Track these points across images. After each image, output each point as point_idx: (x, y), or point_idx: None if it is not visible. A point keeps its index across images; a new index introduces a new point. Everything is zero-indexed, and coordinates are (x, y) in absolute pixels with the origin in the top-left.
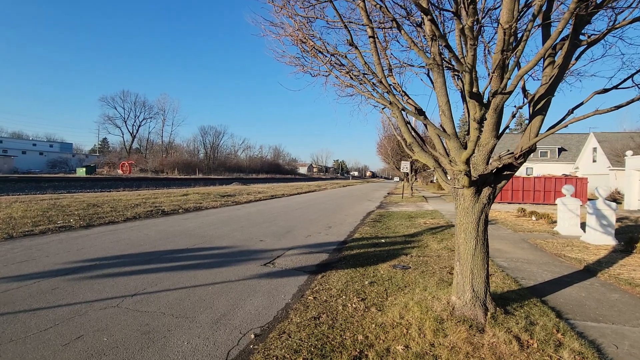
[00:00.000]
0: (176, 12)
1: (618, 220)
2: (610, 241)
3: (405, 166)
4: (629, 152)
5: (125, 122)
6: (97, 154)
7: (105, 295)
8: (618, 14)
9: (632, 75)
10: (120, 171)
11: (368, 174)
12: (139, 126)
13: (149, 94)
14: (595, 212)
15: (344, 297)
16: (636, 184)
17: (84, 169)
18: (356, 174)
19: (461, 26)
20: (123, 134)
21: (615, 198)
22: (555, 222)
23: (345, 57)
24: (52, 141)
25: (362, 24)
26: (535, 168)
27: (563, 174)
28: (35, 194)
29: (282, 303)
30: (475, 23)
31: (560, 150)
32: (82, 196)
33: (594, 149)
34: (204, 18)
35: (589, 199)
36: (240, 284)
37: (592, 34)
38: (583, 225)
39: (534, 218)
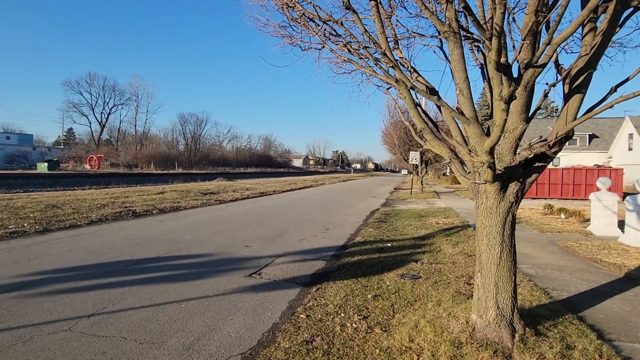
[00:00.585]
0: None
1: None
2: None
3: (414, 157)
4: None
5: (93, 109)
6: (62, 146)
7: (57, 316)
8: None
9: None
10: (87, 166)
11: (370, 165)
12: (109, 114)
13: (120, 76)
14: (636, 208)
15: (342, 314)
16: None
17: (46, 164)
18: (358, 166)
19: None
20: (91, 123)
21: None
22: (588, 220)
23: (342, 24)
24: (10, 132)
25: None
26: (563, 158)
27: (595, 165)
28: None
29: (268, 323)
30: None
31: (592, 137)
32: (41, 196)
33: (630, 136)
34: None
35: (625, 193)
36: (220, 300)
37: None
38: (621, 224)
39: (563, 216)
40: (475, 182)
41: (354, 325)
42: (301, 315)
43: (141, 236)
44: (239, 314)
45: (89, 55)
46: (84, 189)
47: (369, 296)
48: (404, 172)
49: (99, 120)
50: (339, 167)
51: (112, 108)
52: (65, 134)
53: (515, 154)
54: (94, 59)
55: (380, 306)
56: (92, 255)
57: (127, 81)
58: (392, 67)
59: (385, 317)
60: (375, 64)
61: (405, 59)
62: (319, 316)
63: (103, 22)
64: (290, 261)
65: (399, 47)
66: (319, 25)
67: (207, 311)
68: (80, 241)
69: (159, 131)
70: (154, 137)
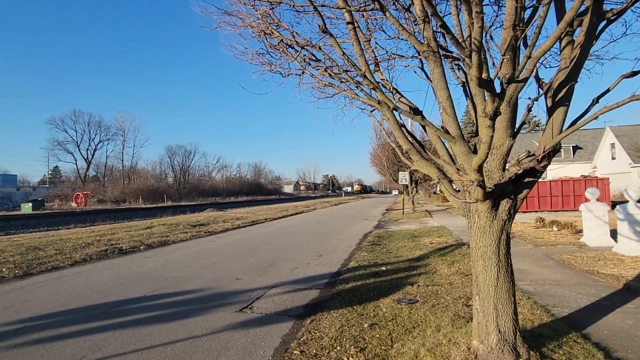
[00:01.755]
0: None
1: None
2: None
3: (403, 177)
4: None
5: (79, 146)
6: (47, 185)
7: None
8: None
9: None
10: (74, 204)
11: (356, 187)
12: (95, 150)
13: (105, 112)
14: (627, 217)
15: (338, 347)
16: None
17: (30, 204)
18: (350, 189)
19: None
20: (76, 161)
21: None
22: (581, 231)
23: (320, 49)
24: None
25: (338, 8)
26: (550, 171)
27: (582, 175)
28: None
29: None
30: None
31: (575, 148)
32: (22, 238)
33: (612, 145)
34: (153, 26)
35: (614, 202)
36: (209, 340)
37: (611, 8)
38: (613, 234)
39: (555, 228)
40: (466, 202)
41: (350, 359)
42: (295, 352)
43: (127, 275)
44: (229, 354)
45: (73, 94)
46: (69, 228)
47: (366, 325)
48: (395, 192)
49: (85, 156)
50: (330, 191)
51: (98, 144)
52: (50, 172)
53: (504, 170)
54: (79, 97)
55: (378, 336)
56: (74, 299)
57: (113, 116)
58: (374, 89)
59: (383, 347)
60: (357, 87)
61: (387, 81)
62: (314, 351)
63: (86, 61)
64: (282, 292)
65: (379, 69)
66: (297, 51)
67: (195, 353)
68: (62, 284)
69: (147, 164)
70: (141, 171)
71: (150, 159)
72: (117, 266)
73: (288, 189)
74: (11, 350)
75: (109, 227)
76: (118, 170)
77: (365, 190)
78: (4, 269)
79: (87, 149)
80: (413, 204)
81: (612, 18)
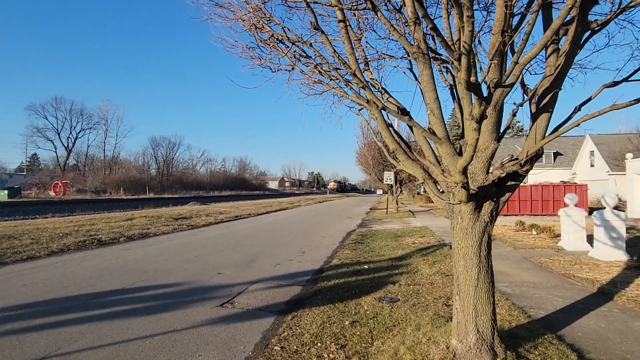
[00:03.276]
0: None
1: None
2: (621, 256)
3: (388, 177)
4: (629, 155)
5: (59, 134)
6: (25, 173)
7: None
8: None
9: None
10: (52, 192)
11: (332, 185)
12: (76, 138)
13: (88, 100)
14: (604, 223)
15: (319, 344)
16: (639, 189)
17: (6, 192)
18: (350, 188)
19: None
20: (56, 149)
21: (617, 205)
22: (559, 236)
23: (311, 46)
24: None
25: (330, 6)
26: (531, 175)
27: (561, 181)
28: None
29: (240, 358)
30: None
31: (556, 154)
32: None
33: (591, 153)
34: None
35: (591, 208)
36: (188, 334)
37: (595, 19)
38: (589, 239)
39: (534, 232)
40: (449, 202)
41: (330, 355)
42: (275, 347)
43: (105, 266)
44: (209, 349)
45: (56, 81)
46: (47, 217)
47: (347, 323)
48: (379, 191)
49: (66, 145)
50: (314, 189)
51: (79, 132)
52: (28, 160)
53: (488, 173)
54: (61, 84)
55: (358, 333)
56: (50, 290)
57: (96, 105)
58: (363, 88)
59: (363, 344)
60: (346, 85)
61: (376, 80)
62: (294, 347)
63: (70, 48)
64: (264, 288)
65: (369, 69)
66: (288, 47)
67: (174, 347)
68: (38, 274)
69: (130, 155)
70: (124, 162)
71: (134, 150)
72: (95, 257)
73: (273, 184)
74: None
75: (88, 217)
76: (99, 160)
77: (343, 188)
78: None
79: (68, 137)
80: (397, 204)
81: (596, 29)
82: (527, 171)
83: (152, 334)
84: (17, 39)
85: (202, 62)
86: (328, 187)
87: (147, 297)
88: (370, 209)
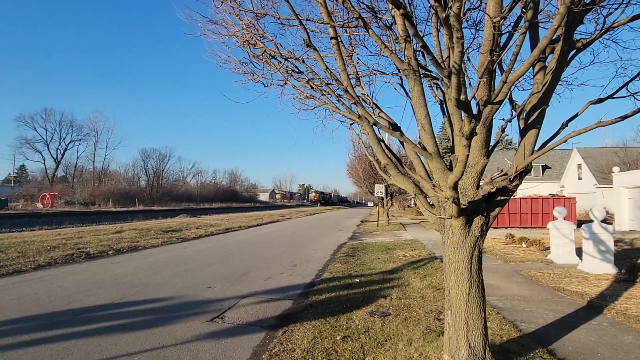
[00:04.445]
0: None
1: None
2: (610, 269)
3: (379, 190)
4: (615, 169)
5: (48, 145)
6: (12, 184)
7: None
8: (607, 15)
9: (627, 84)
10: (40, 205)
11: (312, 196)
12: (65, 150)
13: (78, 111)
14: (592, 236)
15: (310, 359)
16: (625, 202)
17: None
18: (336, 200)
19: (444, 15)
20: (45, 160)
21: (605, 218)
22: (548, 248)
23: (303, 62)
24: None
25: (323, 23)
26: (519, 189)
27: (550, 194)
28: None
29: None
30: (460, 10)
31: (545, 167)
32: None
33: (579, 166)
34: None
35: (579, 221)
36: (177, 350)
37: (580, 38)
38: (578, 252)
39: (524, 245)
40: (440, 217)
41: None
42: None
43: (93, 280)
44: None
45: (45, 92)
46: (34, 230)
47: (338, 337)
48: (370, 204)
49: (54, 156)
50: (305, 201)
51: (68, 144)
52: (16, 171)
53: (478, 188)
54: (50, 95)
55: (350, 348)
56: (37, 305)
57: (86, 116)
58: (355, 103)
59: None
60: (338, 101)
61: (368, 96)
62: None
63: (60, 59)
64: (255, 302)
65: (360, 84)
66: (280, 62)
67: None
68: (24, 288)
69: (119, 167)
70: (113, 174)
71: (123, 162)
72: (83, 271)
73: (264, 197)
74: None
75: (76, 230)
76: (88, 172)
77: (327, 200)
78: None
79: (57, 148)
80: (388, 217)
81: (581, 47)
82: (517, 186)
83: (140, 350)
84: (4, 46)
85: (193, 74)
86: (308, 198)
87: (136, 312)
88: (362, 221)
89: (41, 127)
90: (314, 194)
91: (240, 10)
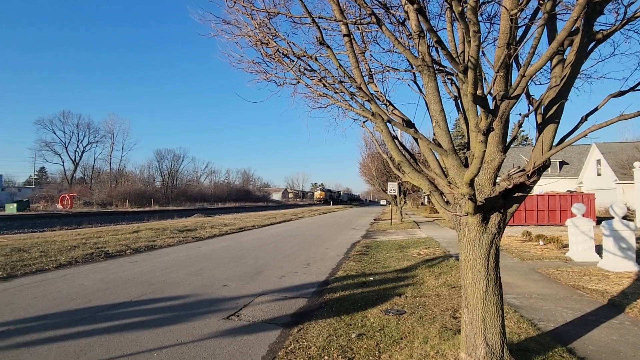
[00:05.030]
0: (118, 19)
1: None
2: (631, 267)
3: (392, 188)
4: (637, 164)
5: (66, 148)
6: (33, 186)
7: None
8: (628, 5)
9: None
10: (59, 205)
11: (318, 194)
12: (83, 152)
13: (95, 114)
14: (613, 233)
15: (326, 357)
16: None
17: (15, 205)
18: (345, 198)
19: (460, 9)
20: (64, 162)
21: (626, 215)
22: (566, 246)
23: (316, 60)
24: None
25: (335, 20)
26: (536, 185)
27: (568, 191)
28: None
29: None
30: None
31: (562, 164)
32: (6, 239)
33: (598, 161)
34: (148, 23)
35: (599, 218)
36: (195, 347)
37: (600, 29)
38: (598, 249)
39: (541, 242)
40: (456, 214)
41: None
42: None
43: (113, 279)
44: None
45: (63, 95)
46: (54, 230)
47: (353, 335)
48: (383, 202)
49: (73, 158)
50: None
51: (86, 146)
52: (36, 173)
53: (494, 184)
54: (68, 98)
55: (365, 346)
56: (59, 302)
57: (102, 119)
58: (368, 100)
59: (371, 358)
60: (351, 98)
61: (381, 93)
62: None
63: (76, 60)
64: (270, 300)
65: (373, 81)
66: (293, 61)
67: None
68: (47, 287)
69: (135, 168)
70: (129, 174)
71: (139, 163)
72: (103, 270)
73: (276, 196)
74: None
75: (95, 230)
76: (105, 173)
77: (335, 199)
78: None
79: (75, 150)
80: (401, 215)
81: (601, 39)
82: (535, 182)
83: (160, 346)
84: (23, 52)
85: (206, 75)
86: (313, 197)
87: (154, 309)
88: (374, 219)
89: (60, 130)
90: (319, 192)
91: (252, 9)
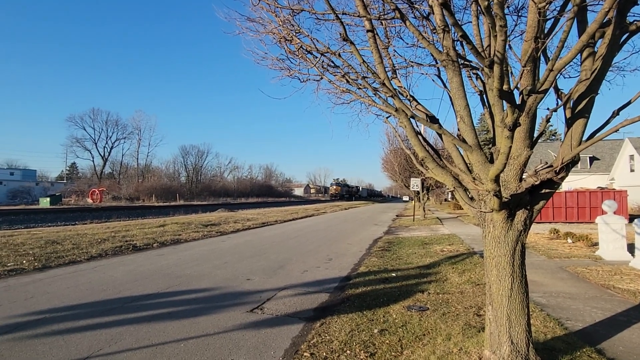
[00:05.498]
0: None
1: None
2: None
3: (415, 184)
4: None
5: (96, 144)
6: (65, 181)
7: (50, 359)
8: None
9: None
10: (90, 200)
11: (333, 189)
12: (112, 148)
13: (122, 111)
14: None
15: (348, 352)
16: None
17: (48, 199)
18: (365, 194)
19: (486, 3)
20: (93, 158)
21: None
22: (596, 244)
23: (339, 56)
24: (13, 168)
25: (358, 16)
26: (565, 181)
27: (598, 187)
28: None
29: None
30: None
31: (592, 159)
32: (41, 231)
33: (631, 157)
34: (174, 20)
35: (631, 215)
36: (220, 338)
37: (634, 20)
38: (630, 248)
39: (570, 240)
40: (481, 211)
41: None
42: (305, 354)
43: (141, 271)
44: (240, 353)
45: (92, 91)
46: (85, 224)
47: (375, 331)
48: (406, 198)
49: (102, 154)
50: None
51: (114, 142)
52: (68, 168)
53: (521, 180)
54: (97, 95)
55: (388, 341)
56: (91, 293)
57: (129, 115)
58: (392, 96)
59: (393, 353)
60: (374, 94)
61: (404, 88)
62: (324, 354)
63: (104, 57)
64: (292, 294)
65: (397, 77)
66: (317, 57)
67: (207, 351)
68: (79, 278)
69: (161, 163)
70: (155, 170)
71: (164, 158)
72: (131, 262)
73: (298, 191)
74: (32, 340)
75: (123, 223)
76: (133, 169)
77: (352, 193)
78: (24, 261)
79: (104, 146)
80: (424, 211)
81: (635, 30)
82: (563, 178)
83: (186, 337)
84: (55, 52)
85: (230, 72)
86: (329, 192)
87: (180, 301)
88: (397, 215)
89: (90, 126)
90: (334, 186)
91: (276, 7)
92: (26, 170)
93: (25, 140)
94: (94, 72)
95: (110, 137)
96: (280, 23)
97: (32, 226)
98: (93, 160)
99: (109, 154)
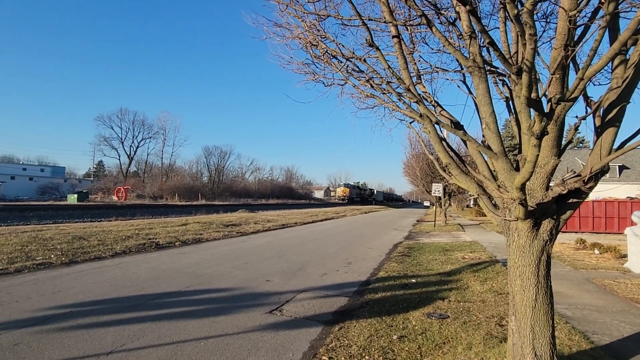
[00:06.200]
0: (169, 17)
1: None
2: None
3: (437, 189)
4: None
5: (123, 143)
6: (92, 178)
7: (76, 352)
8: None
9: None
10: (115, 197)
11: (341, 191)
12: (137, 147)
13: (149, 111)
14: None
15: (366, 357)
16: None
17: (76, 196)
18: (381, 198)
19: (515, 12)
20: (120, 156)
21: None
22: (625, 256)
23: (365, 61)
24: (44, 165)
25: (384, 22)
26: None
27: (628, 197)
28: (18, 224)
29: None
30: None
31: (622, 168)
32: (69, 227)
33: None
34: (200, 23)
35: None
36: (239, 339)
37: None
38: None
39: (597, 251)
40: (505, 219)
41: None
42: (323, 357)
43: (163, 269)
44: (259, 354)
45: (119, 90)
46: (110, 221)
47: (394, 337)
48: (427, 203)
49: (128, 153)
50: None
51: (140, 141)
52: (95, 166)
53: (547, 189)
54: (125, 95)
55: (407, 348)
56: (115, 289)
57: (155, 115)
58: (416, 102)
59: None
60: (398, 99)
61: (429, 94)
62: (342, 359)
63: (132, 55)
64: (311, 297)
65: (421, 82)
66: (342, 62)
67: (227, 350)
68: (104, 274)
69: (184, 163)
70: (179, 169)
71: (188, 158)
72: (154, 260)
73: (318, 194)
74: (59, 332)
75: (147, 221)
76: (157, 168)
77: (363, 197)
78: (53, 256)
79: (130, 145)
80: (445, 217)
81: None
82: (591, 188)
83: (206, 336)
84: (86, 52)
85: (254, 74)
86: (336, 194)
87: (201, 300)
88: (417, 221)
89: (117, 126)
90: (342, 188)
91: (303, 12)
92: (55, 167)
93: (56, 137)
94: (123, 70)
95: (137, 137)
96: (307, 28)
97: (60, 222)
98: (119, 159)
99: (134, 153)
